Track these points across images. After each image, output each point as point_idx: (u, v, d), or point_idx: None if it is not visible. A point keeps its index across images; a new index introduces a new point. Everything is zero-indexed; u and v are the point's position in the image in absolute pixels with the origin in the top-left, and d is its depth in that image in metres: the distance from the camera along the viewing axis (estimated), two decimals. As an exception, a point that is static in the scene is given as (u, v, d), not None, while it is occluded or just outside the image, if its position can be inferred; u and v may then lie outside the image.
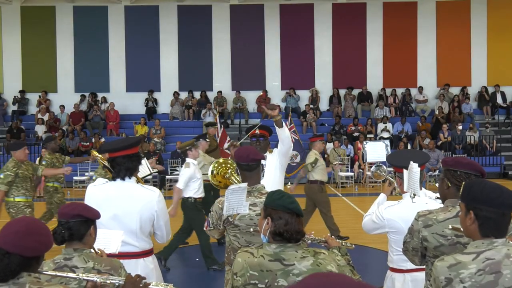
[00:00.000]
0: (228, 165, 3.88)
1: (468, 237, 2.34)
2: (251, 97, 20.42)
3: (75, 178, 15.58)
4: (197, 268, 7.35)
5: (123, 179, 3.49)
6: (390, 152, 4.62)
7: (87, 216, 2.74)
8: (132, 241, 3.45)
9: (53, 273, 2.41)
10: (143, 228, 3.48)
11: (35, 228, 2.14)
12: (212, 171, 3.88)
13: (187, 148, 7.42)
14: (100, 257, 2.78)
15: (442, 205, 3.01)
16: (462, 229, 2.36)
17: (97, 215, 2.80)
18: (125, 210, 3.44)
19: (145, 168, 3.87)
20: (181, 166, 16.17)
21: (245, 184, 3.29)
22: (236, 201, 3.19)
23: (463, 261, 2.18)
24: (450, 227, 2.59)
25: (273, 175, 4.76)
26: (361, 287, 1.43)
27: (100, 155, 4.05)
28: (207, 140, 8.74)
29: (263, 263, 2.42)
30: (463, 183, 2.37)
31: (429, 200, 3.50)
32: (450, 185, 2.90)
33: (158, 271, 3.66)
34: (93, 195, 3.53)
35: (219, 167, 3.87)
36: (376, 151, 4.63)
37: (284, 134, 4.64)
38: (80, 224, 2.71)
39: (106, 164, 3.87)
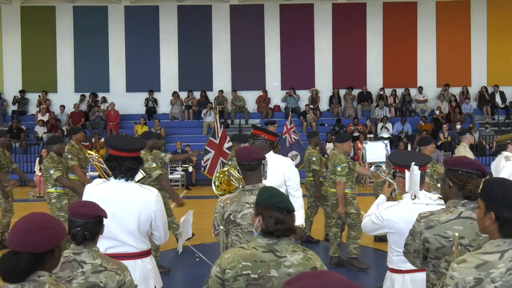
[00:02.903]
0: (228, 171, 3.90)
1: (484, 233, 2.35)
2: (251, 97, 20.41)
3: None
4: (197, 268, 7.33)
5: (127, 180, 3.49)
6: (389, 152, 4.60)
7: (104, 216, 2.82)
8: (131, 242, 3.44)
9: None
10: (141, 228, 3.47)
11: (39, 224, 2.13)
12: (214, 182, 3.87)
13: (508, 141, 7.26)
14: (107, 256, 2.84)
15: (442, 206, 3.00)
16: (468, 240, 2.37)
17: (106, 214, 2.88)
18: (124, 210, 3.43)
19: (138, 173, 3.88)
20: (181, 166, 16.28)
21: None
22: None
23: (491, 261, 2.17)
24: (456, 235, 2.59)
25: (275, 180, 4.65)
26: (351, 287, 1.45)
27: (97, 155, 4.01)
28: None
29: (256, 254, 2.45)
30: (483, 181, 2.36)
31: (429, 201, 3.49)
32: (451, 184, 2.89)
33: (156, 271, 3.65)
34: (91, 195, 3.51)
35: (221, 175, 3.88)
36: (375, 151, 4.61)
37: (298, 216, 4.04)
38: (97, 225, 2.79)
39: (103, 165, 3.85)
